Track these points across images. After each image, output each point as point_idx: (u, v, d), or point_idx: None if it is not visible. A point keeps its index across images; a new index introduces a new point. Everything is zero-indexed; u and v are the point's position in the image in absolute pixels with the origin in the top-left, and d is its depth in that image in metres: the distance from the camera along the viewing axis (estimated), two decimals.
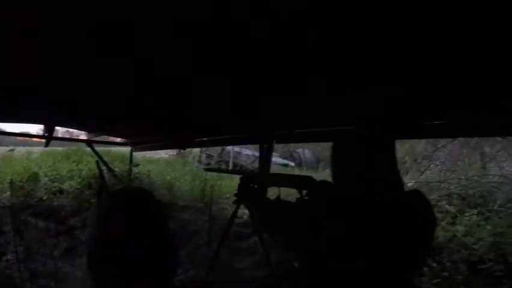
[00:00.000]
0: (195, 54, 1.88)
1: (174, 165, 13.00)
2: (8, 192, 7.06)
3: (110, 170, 7.06)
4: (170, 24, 1.53)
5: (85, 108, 3.36)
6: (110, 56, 1.92)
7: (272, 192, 2.31)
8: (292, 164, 16.15)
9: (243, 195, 2.12)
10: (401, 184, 1.74)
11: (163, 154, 13.96)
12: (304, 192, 1.91)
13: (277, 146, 15.71)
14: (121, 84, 2.49)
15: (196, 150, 14.34)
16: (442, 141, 8.61)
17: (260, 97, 2.58)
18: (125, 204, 1.23)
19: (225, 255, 5.35)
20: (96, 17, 1.48)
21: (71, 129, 7.50)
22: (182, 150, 12.91)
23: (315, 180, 1.91)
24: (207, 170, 8.65)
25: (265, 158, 3.69)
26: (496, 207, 6.75)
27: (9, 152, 10.12)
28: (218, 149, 14.41)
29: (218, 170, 6.54)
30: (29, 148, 11.40)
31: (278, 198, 2.10)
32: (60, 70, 2.19)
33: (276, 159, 14.67)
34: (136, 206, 1.23)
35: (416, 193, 1.72)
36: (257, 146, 4.13)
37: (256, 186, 2.14)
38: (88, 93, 2.74)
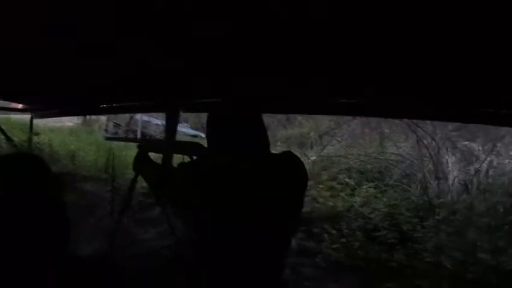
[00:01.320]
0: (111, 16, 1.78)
1: (79, 134, 12.48)
2: None
3: (8, 139, 6.57)
4: None
5: None
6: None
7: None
8: (202, 134, 16.11)
9: (139, 163, 2.11)
10: (268, 147, 1.84)
11: (67, 122, 13.34)
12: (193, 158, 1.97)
13: (189, 116, 15.56)
14: (15, 39, 2.29)
15: (103, 118, 13.83)
16: (345, 118, 9.03)
17: (168, 63, 2.51)
18: (9, 170, 1.15)
19: (129, 226, 5.26)
20: None
21: None
22: (87, 118, 12.39)
23: (202, 146, 1.97)
24: (109, 139, 8.39)
25: (170, 127, 3.63)
26: (391, 181, 7.25)
27: None
28: (126, 117, 13.98)
29: (120, 139, 6.38)
30: None
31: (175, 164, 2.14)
32: None
33: (185, 129, 14.54)
34: (23, 172, 1.15)
35: (287, 153, 1.83)
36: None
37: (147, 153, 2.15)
38: None
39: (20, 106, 6.99)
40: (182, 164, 1.99)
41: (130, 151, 8.90)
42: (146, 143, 2.25)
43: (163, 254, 4.80)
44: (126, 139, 5.98)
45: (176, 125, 3.68)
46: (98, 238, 4.63)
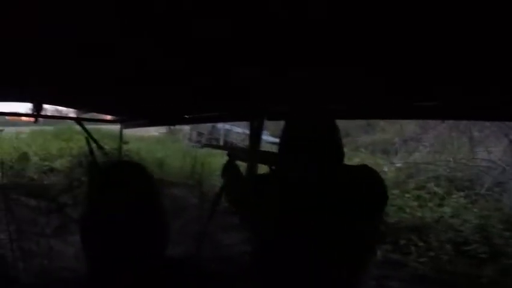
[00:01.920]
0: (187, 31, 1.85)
1: (164, 142, 13.03)
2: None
3: (100, 147, 7.01)
4: None
5: (74, 84, 3.31)
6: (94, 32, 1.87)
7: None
8: None
9: (227, 171, 2.17)
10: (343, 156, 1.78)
11: (153, 132, 13.95)
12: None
13: (270, 124, 15.72)
14: (108, 60, 2.45)
15: (187, 127, 14.34)
16: (431, 124, 8.65)
17: (250, 73, 2.56)
18: (117, 176, 1.23)
19: (215, 231, 5.38)
20: None
21: (60, 108, 7.45)
22: (172, 127, 12.91)
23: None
24: (205, 146, 8.83)
25: (255, 136, 3.67)
26: (483, 190, 6.84)
27: None
28: (209, 126, 14.42)
29: (215, 146, 6.63)
30: (18, 128, 11.33)
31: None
32: (47, 46, 2.14)
33: (265, 137, 14.70)
34: (128, 178, 1.22)
35: (364, 168, 1.77)
36: (248, 123, 4.10)
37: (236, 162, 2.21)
38: (77, 68, 2.70)
39: (108, 117, 7.45)
40: (261, 176, 2.01)
41: (214, 158, 9.18)
42: (234, 152, 2.31)
43: (243, 259, 4.87)
44: (219, 147, 6.22)
45: (260, 134, 3.72)
46: (186, 241, 4.79)
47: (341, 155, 1.75)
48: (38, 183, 7.24)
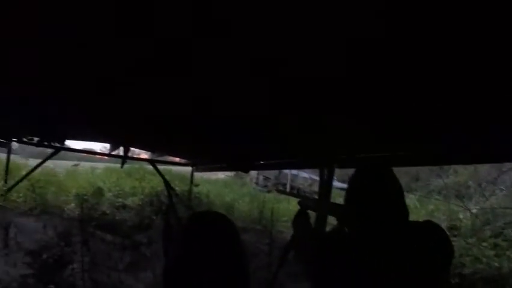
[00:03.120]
0: (252, 85, 1.93)
1: (232, 186, 13.20)
2: (73, 204, 7.50)
3: (171, 188, 7.31)
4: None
5: (155, 131, 3.52)
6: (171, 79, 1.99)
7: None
8: None
9: (297, 221, 2.19)
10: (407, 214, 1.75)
11: (221, 175, 14.17)
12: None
13: (337, 170, 15.53)
14: (188, 111, 2.60)
15: (254, 171, 14.50)
16: (507, 165, 8.23)
17: (321, 121, 2.60)
18: (209, 229, 1.31)
19: (285, 279, 5.35)
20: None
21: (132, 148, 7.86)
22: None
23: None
24: (278, 192, 8.89)
25: (326, 183, 3.69)
26: None
27: (73, 167, 10.68)
28: (275, 171, 14.50)
29: (285, 193, 6.66)
30: (92, 164, 12.02)
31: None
32: (133, 96, 2.31)
33: (335, 183, 14.54)
34: (218, 231, 1.31)
35: (429, 224, 1.73)
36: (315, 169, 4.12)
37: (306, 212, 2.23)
38: (159, 118, 2.88)
39: (179, 160, 7.74)
40: (328, 233, 2.00)
41: (281, 204, 9.19)
42: (305, 202, 2.33)
43: None
44: (289, 193, 6.25)
45: (331, 183, 3.73)
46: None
47: (406, 211, 1.72)
48: (111, 217, 7.53)
